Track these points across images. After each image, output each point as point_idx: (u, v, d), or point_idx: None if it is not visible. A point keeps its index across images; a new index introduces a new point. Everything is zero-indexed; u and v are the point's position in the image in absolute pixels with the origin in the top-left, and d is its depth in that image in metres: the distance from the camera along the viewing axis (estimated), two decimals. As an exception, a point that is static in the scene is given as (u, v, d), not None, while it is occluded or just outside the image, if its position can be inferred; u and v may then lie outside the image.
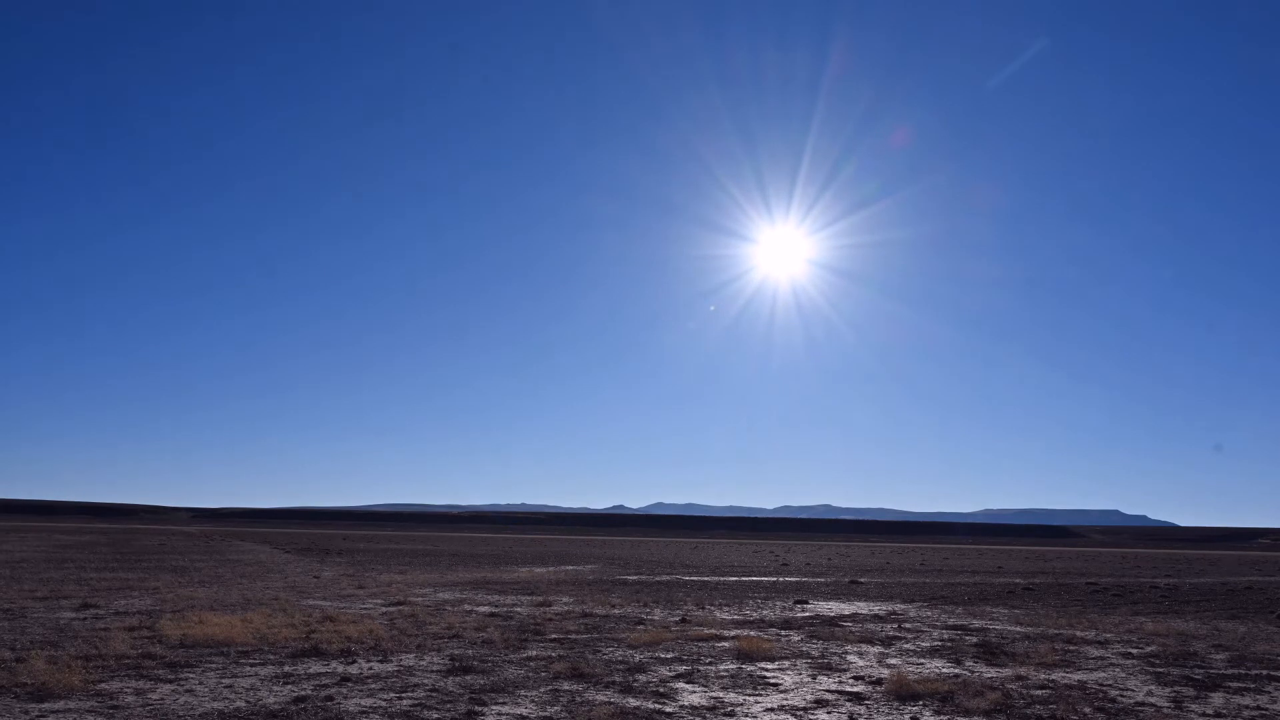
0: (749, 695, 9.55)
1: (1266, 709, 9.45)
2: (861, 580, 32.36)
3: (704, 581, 29.72)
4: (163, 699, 8.69)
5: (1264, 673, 11.85)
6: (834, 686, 10.22)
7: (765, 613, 18.88)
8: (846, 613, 19.37)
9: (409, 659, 11.32)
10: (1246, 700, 9.88)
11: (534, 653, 12.05)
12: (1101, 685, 10.57)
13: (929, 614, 19.45)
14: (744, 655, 12.25)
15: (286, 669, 10.39)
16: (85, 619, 14.89)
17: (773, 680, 10.48)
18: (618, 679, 10.21)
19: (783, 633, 15.16)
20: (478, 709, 8.54)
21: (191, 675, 9.91)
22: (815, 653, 12.81)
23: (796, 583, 30.33)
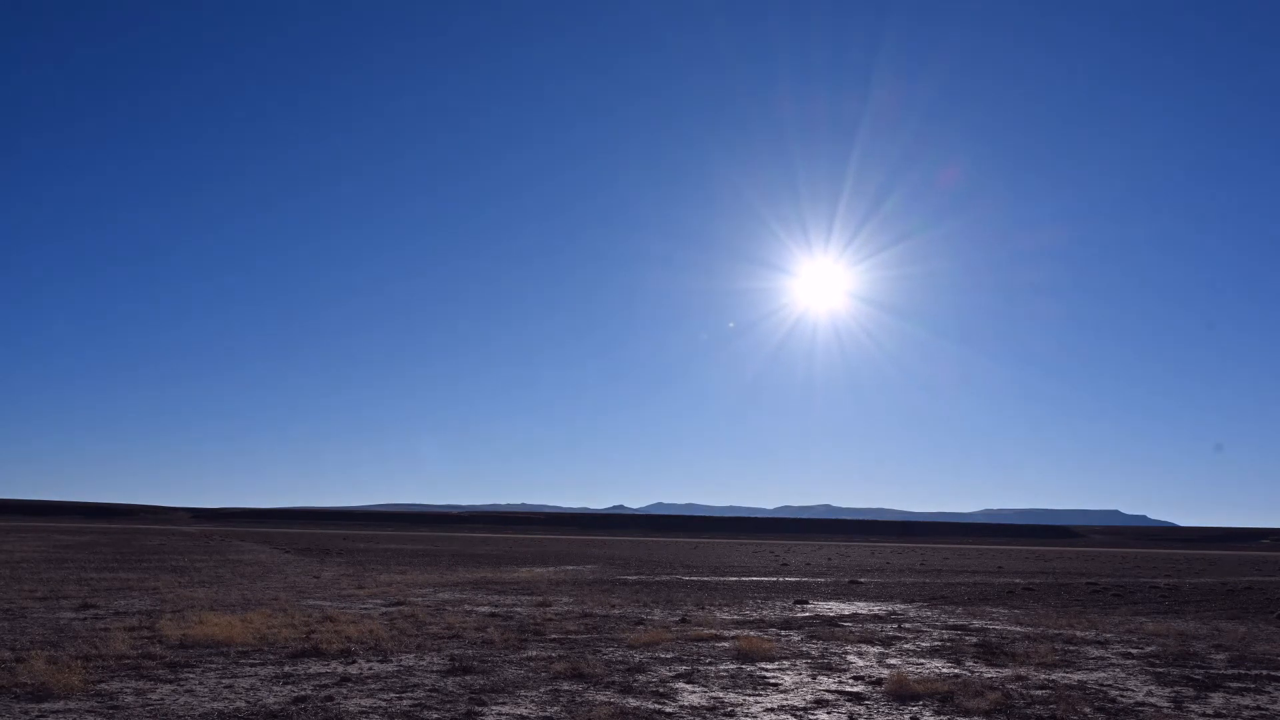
0: (749, 695, 9.56)
1: (1266, 709, 9.45)
2: (861, 580, 32.35)
3: (704, 581, 29.72)
4: (163, 699, 8.69)
5: (1264, 673, 11.85)
6: (834, 686, 10.22)
7: (765, 613, 18.88)
8: (846, 613, 19.36)
9: (409, 659, 11.32)
10: (1246, 700, 9.88)
11: (534, 653, 12.05)
12: (1101, 685, 10.57)
13: (929, 614, 19.45)
14: (744, 655, 12.25)
15: (286, 669, 10.39)
16: (85, 619, 14.89)
17: (773, 680, 10.49)
18: (618, 679, 10.21)
19: (783, 633, 15.16)
20: (478, 709, 8.55)
21: (191, 675, 9.91)
22: (815, 653, 12.81)
23: (796, 583, 30.33)
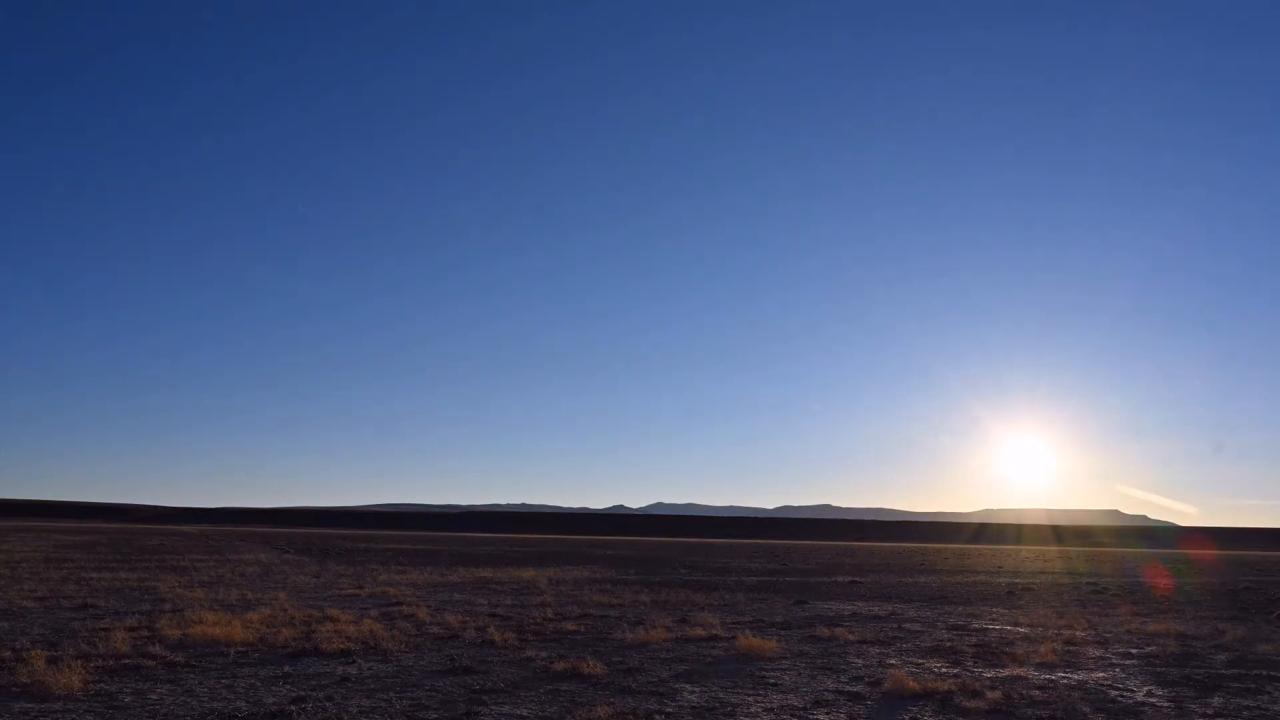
0: (749, 695, 9.55)
1: (1267, 709, 9.45)
2: (861, 580, 32.35)
3: (704, 581, 29.71)
4: (162, 699, 8.69)
5: (1264, 673, 11.85)
6: (834, 686, 10.21)
7: (765, 613, 18.88)
8: (846, 613, 19.36)
9: (408, 659, 11.32)
10: (1247, 701, 9.88)
11: (533, 653, 12.05)
12: (1101, 685, 10.57)
13: (929, 614, 19.44)
14: (743, 655, 12.25)
15: (286, 669, 10.39)
16: (85, 619, 14.89)
17: (772, 680, 10.48)
18: (617, 679, 10.21)
19: (782, 633, 15.16)
20: (477, 709, 8.54)
21: (191, 675, 9.91)
22: (815, 653, 12.80)
23: (796, 583, 30.32)
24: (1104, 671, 11.65)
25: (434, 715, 8.26)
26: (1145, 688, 10.51)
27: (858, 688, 10.15)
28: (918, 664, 11.99)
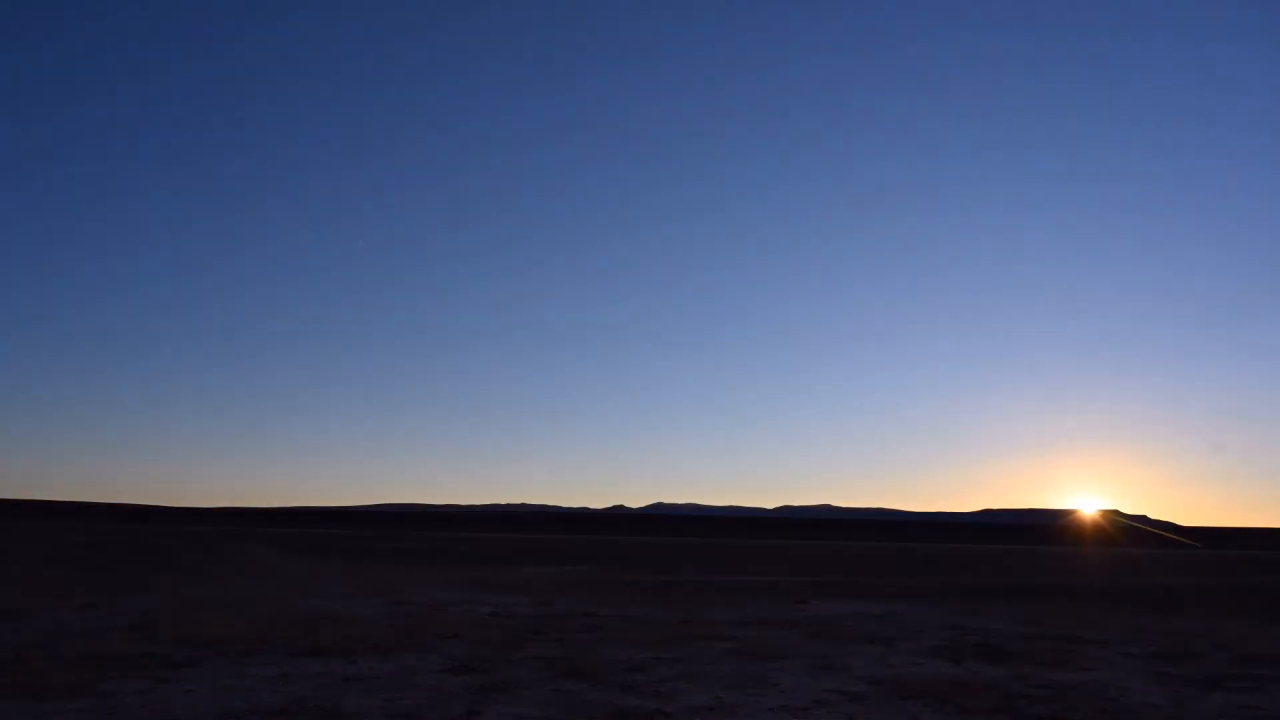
0: (749, 695, 9.56)
1: (1266, 709, 9.46)
2: (861, 580, 32.36)
3: (703, 581, 29.73)
4: (162, 699, 8.70)
5: (1264, 672, 11.86)
6: (834, 686, 10.22)
7: (765, 612, 18.88)
8: (846, 613, 19.36)
9: (409, 659, 11.33)
10: (1247, 700, 9.89)
11: (534, 653, 12.06)
12: (1101, 685, 10.58)
13: (929, 614, 19.45)
14: (744, 655, 12.26)
15: (286, 669, 10.40)
16: (85, 619, 14.90)
17: (773, 680, 10.49)
18: (618, 679, 10.22)
19: (783, 632, 15.17)
20: (477, 709, 8.55)
21: (191, 675, 9.92)
22: (815, 653, 12.81)
23: (797, 583, 30.33)
24: (1104, 671, 11.65)
25: (434, 715, 8.27)
26: (1145, 688, 10.52)
27: (858, 688, 10.16)
28: (918, 664, 12.00)
